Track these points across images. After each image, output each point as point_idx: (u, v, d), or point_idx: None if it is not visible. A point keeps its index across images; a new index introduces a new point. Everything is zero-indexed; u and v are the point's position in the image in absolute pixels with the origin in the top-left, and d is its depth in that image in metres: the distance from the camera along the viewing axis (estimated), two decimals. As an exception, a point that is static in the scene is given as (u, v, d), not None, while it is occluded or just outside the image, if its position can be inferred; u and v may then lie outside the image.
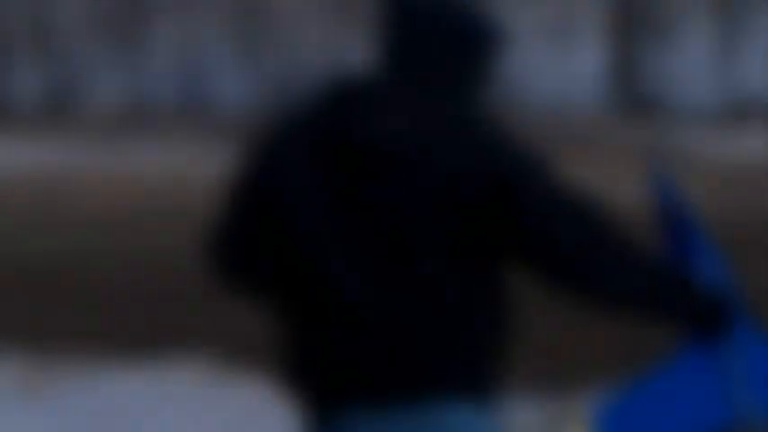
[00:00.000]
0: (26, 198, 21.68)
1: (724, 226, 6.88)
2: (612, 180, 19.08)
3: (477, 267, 1.92)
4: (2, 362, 8.70)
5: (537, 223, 1.88)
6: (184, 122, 39.29)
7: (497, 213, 1.88)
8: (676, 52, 40.46)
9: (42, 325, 9.82)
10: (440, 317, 1.88)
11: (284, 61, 41.55)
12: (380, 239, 1.89)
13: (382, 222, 1.89)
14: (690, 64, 40.17)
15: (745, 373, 2.12)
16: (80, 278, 12.57)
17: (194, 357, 8.38)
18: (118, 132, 33.47)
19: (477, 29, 1.96)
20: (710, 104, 39.45)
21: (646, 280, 1.96)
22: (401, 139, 1.88)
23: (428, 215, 1.88)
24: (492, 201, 1.87)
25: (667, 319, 2.08)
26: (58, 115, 40.28)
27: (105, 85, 43.13)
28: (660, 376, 2.21)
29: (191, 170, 24.04)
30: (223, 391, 7.61)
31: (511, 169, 1.89)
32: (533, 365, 6.28)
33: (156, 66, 42.66)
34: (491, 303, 1.93)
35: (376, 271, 1.88)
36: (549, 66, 40.52)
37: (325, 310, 1.91)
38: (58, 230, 16.58)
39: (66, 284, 12.26)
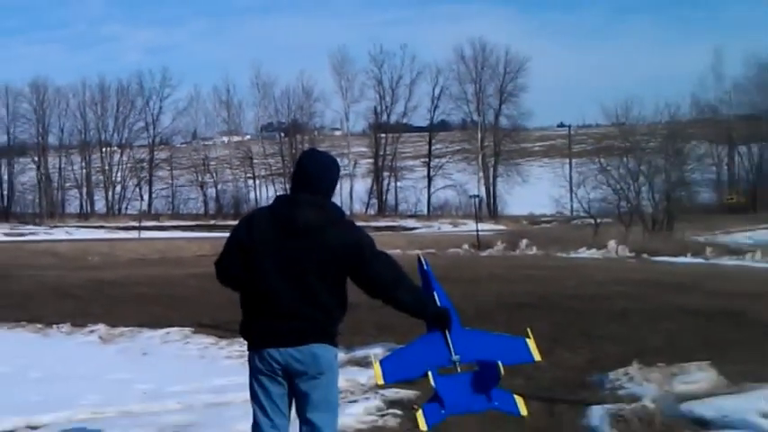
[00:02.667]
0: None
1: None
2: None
3: (338, 287, 3.83)
4: (94, 328, 11.42)
5: (372, 270, 3.82)
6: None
7: (354, 264, 3.79)
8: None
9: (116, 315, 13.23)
10: (316, 308, 3.76)
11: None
12: (296, 270, 3.74)
13: (299, 261, 3.73)
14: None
15: (453, 342, 4.01)
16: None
17: (180, 327, 11.26)
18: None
19: (337, 176, 3.97)
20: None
21: (415, 298, 3.93)
22: (312, 224, 3.73)
23: (321, 259, 3.74)
24: (351, 257, 3.78)
25: (424, 317, 4.07)
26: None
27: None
28: (416, 342, 4.25)
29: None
30: (192, 341, 10.48)
31: (361, 242, 3.84)
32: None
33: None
34: (341, 304, 3.87)
35: (290, 285, 3.73)
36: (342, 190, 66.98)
37: (263, 301, 3.78)
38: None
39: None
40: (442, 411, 4.05)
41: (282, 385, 3.87)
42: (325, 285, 3.80)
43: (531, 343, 4.22)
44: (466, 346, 4.09)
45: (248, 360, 3.95)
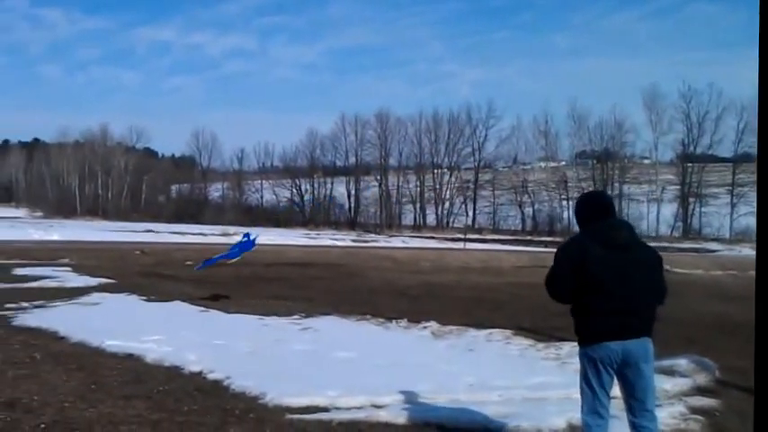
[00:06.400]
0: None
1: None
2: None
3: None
4: (427, 324, 11.64)
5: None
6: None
7: (659, 270, 4.44)
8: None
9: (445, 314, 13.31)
10: (648, 306, 4.33)
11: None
12: (632, 277, 4.22)
13: (631, 270, 4.24)
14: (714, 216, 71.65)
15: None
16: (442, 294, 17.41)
17: (502, 329, 11.16)
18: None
19: None
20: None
21: None
22: (633, 243, 4.37)
23: (647, 266, 4.34)
24: (659, 266, 4.45)
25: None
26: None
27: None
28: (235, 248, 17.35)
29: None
30: (513, 342, 10.36)
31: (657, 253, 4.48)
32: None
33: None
34: (658, 303, 4.40)
35: (628, 289, 4.21)
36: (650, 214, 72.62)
37: (607, 303, 4.19)
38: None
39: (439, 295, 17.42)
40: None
41: (611, 374, 4.32)
42: (651, 287, 4.36)
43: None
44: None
45: (583, 354, 4.38)
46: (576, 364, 8.68)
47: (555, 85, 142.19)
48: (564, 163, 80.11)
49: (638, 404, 4.34)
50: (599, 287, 4.22)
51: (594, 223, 4.39)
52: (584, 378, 4.38)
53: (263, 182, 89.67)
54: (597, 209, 4.46)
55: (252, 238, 13.98)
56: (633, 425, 4.39)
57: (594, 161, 76.58)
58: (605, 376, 4.31)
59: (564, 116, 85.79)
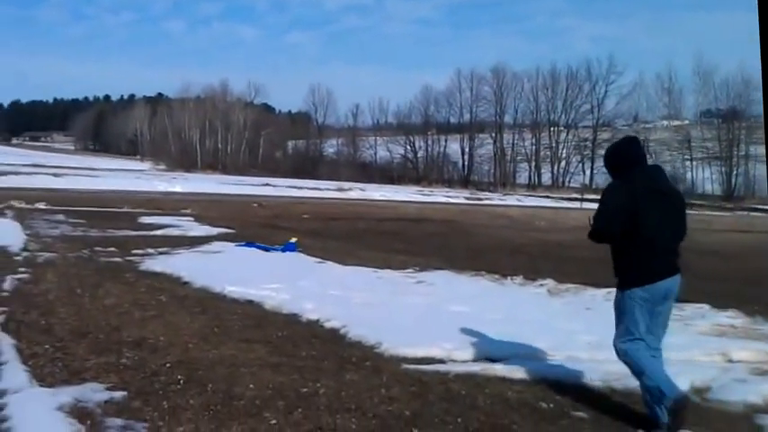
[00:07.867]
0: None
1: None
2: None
3: None
4: (543, 282, 11.61)
5: None
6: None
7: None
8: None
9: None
10: (679, 246, 4.76)
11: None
12: (672, 219, 4.67)
13: (672, 213, 4.67)
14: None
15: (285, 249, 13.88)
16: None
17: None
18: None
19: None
20: None
21: None
22: (669, 187, 4.79)
23: (682, 210, 4.79)
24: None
25: None
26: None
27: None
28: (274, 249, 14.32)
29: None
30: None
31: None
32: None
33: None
34: None
35: (669, 230, 4.67)
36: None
37: (649, 246, 4.57)
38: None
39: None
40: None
41: (654, 309, 4.71)
42: (683, 227, 4.81)
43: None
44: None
45: (634, 295, 4.66)
46: (699, 325, 8.47)
47: (679, 40, 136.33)
48: (688, 122, 77.09)
49: (653, 338, 4.79)
50: (650, 229, 4.57)
51: (633, 169, 4.69)
52: (633, 318, 4.69)
53: (378, 138, 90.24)
54: (636, 156, 4.77)
55: (293, 241, 14.77)
56: None
57: (720, 120, 73.54)
58: (653, 311, 4.70)
59: (689, 72, 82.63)
